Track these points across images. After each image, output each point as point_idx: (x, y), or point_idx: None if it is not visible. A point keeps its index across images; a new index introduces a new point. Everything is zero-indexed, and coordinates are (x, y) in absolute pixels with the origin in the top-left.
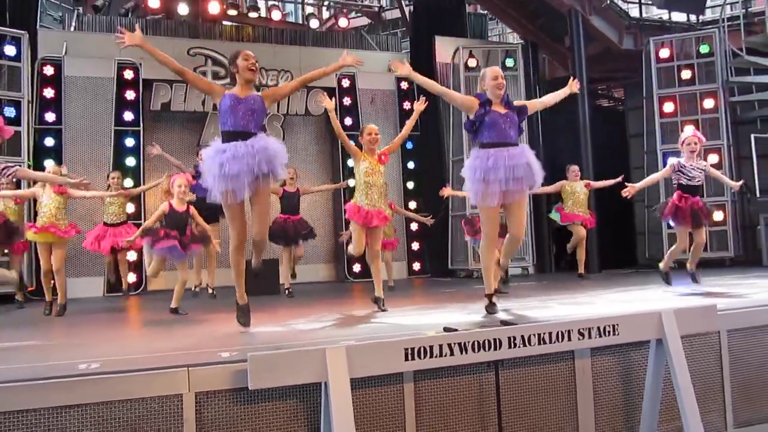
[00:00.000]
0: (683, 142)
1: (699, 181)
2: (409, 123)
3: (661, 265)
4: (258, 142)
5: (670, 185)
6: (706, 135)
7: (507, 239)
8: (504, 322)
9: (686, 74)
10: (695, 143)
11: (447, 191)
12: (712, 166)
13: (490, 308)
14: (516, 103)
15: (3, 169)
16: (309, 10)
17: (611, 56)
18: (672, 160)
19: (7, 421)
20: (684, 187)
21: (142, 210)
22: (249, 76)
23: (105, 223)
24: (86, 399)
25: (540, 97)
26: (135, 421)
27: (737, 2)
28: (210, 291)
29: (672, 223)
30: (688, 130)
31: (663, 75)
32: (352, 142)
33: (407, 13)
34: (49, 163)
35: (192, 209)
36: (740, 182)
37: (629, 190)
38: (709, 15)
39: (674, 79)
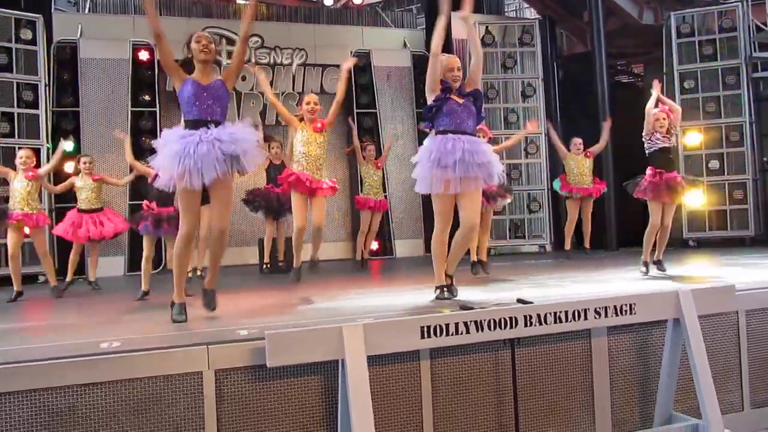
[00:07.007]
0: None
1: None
2: (341, 86)
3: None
4: (226, 128)
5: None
6: (728, 112)
7: (460, 231)
8: (520, 301)
9: (708, 49)
10: (664, 119)
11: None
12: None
13: (441, 295)
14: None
15: None
16: None
17: (631, 31)
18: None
19: (34, 399)
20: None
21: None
22: (202, 57)
23: (79, 210)
24: (110, 377)
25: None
26: (157, 397)
27: None
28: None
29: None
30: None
31: (684, 50)
32: (288, 112)
33: None
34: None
35: None
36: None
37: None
38: None
39: (695, 55)
